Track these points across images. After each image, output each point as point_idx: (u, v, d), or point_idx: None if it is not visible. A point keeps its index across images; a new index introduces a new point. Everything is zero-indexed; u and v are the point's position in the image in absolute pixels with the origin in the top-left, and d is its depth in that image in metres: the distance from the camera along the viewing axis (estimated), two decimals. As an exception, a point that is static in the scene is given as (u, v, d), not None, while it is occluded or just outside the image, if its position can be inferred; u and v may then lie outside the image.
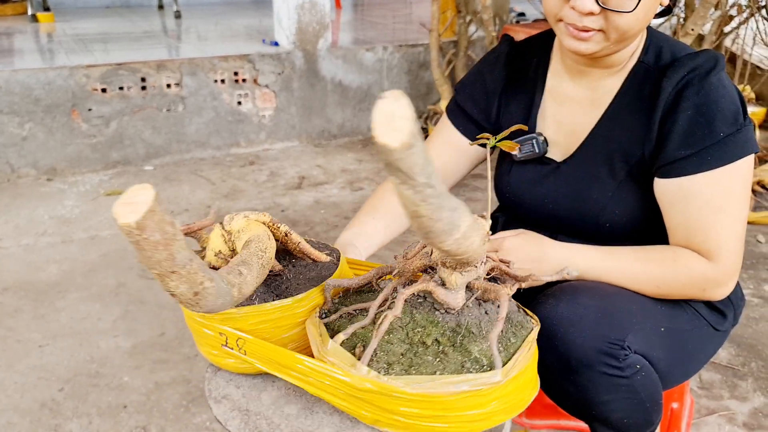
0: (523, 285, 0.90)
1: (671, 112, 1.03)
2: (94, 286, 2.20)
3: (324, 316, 0.92)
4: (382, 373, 0.78)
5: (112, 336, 1.89)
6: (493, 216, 1.33)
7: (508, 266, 0.91)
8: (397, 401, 0.77)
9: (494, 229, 1.29)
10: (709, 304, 1.13)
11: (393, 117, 0.56)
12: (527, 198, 1.20)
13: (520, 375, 0.83)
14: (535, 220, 1.20)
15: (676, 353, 1.10)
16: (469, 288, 0.88)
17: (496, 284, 0.89)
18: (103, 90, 3.34)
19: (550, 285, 1.10)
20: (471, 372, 0.79)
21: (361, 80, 4.02)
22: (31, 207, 2.91)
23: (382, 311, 0.87)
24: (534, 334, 0.89)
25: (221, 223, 0.92)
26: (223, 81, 3.63)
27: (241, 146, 3.76)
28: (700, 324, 1.12)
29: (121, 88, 3.38)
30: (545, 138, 1.17)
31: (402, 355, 0.82)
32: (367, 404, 0.80)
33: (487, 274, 0.90)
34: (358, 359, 0.80)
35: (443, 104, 3.68)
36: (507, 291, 0.87)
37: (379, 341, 0.82)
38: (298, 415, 0.85)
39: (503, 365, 0.80)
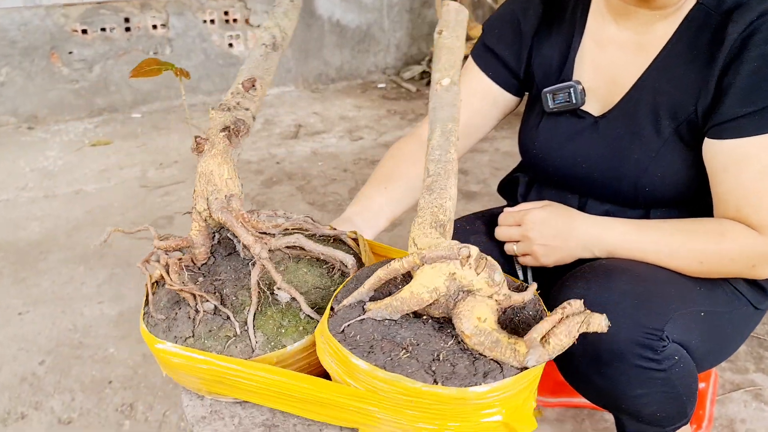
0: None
1: (734, 63, 0.89)
2: (78, 246, 2.08)
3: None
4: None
5: (97, 302, 1.78)
6: (514, 177, 1.19)
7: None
8: None
9: (514, 193, 1.15)
10: (750, 280, 1.01)
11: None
12: (557, 156, 1.05)
13: None
14: (564, 181, 1.06)
15: (714, 338, 0.99)
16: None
17: None
18: (84, 31, 3.12)
19: (576, 264, 0.98)
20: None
21: (360, 19, 3.78)
22: (11, 158, 2.75)
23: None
24: None
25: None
26: (212, 21, 3.40)
27: (233, 91, 3.56)
28: (739, 304, 1.01)
29: (103, 30, 3.15)
30: (583, 88, 1.01)
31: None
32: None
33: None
34: None
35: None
36: None
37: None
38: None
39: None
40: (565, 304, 0.65)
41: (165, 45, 3.31)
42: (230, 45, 3.49)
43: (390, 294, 0.70)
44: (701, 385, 1.30)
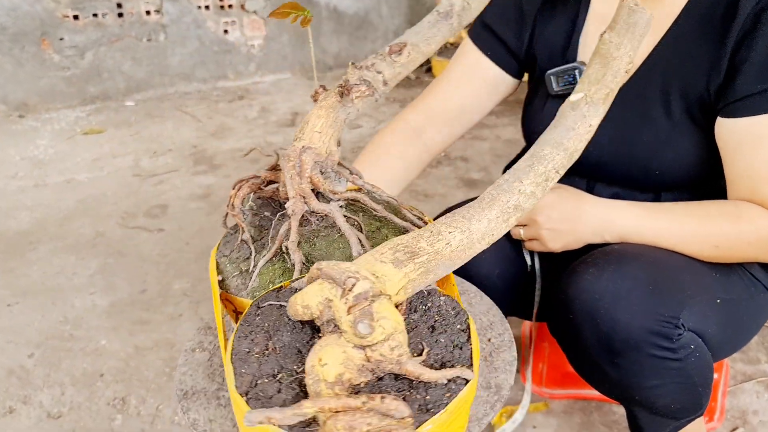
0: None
1: (747, 39, 0.84)
2: (69, 236, 2.02)
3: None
4: None
5: (88, 293, 1.72)
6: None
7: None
8: None
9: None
10: (764, 265, 0.97)
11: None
12: None
13: None
14: (572, 166, 1.01)
15: (730, 327, 0.95)
16: None
17: None
18: (75, 17, 3.04)
19: (585, 249, 0.93)
20: None
21: (357, 6, 3.71)
22: (1, 147, 2.69)
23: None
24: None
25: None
26: (207, 7, 3.33)
27: (228, 79, 3.49)
28: (756, 291, 0.97)
29: (95, 15, 3.08)
30: None
31: None
32: None
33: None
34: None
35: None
36: None
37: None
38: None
39: None
40: (383, 399, 0.47)
41: (159, 31, 3.24)
42: (225, 31, 3.42)
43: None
44: (714, 376, 1.26)
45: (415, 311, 0.60)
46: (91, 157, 2.61)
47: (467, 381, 0.52)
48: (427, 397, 0.51)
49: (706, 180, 0.95)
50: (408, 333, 0.54)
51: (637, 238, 0.90)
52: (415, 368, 0.51)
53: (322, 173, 0.73)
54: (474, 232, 0.58)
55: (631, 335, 0.82)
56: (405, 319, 0.58)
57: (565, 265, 0.94)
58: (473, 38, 1.10)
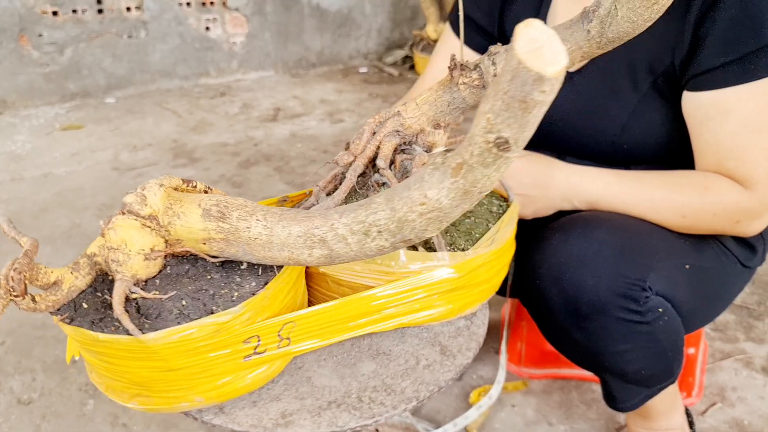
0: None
1: (709, 12, 0.84)
2: (45, 227, 1.99)
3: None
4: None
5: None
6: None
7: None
8: None
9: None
10: (738, 238, 0.97)
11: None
12: None
13: None
14: (540, 139, 1.01)
15: (701, 294, 0.95)
16: None
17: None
18: (54, 13, 3.01)
19: (556, 216, 0.93)
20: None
21: (340, 3, 3.71)
22: (-22, 142, 2.65)
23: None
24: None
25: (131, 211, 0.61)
26: (188, 4, 3.31)
27: (210, 76, 3.47)
28: (727, 261, 0.97)
29: (74, 11, 3.05)
30: None
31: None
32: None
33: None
34: None
35: (430, 29, 3.40)
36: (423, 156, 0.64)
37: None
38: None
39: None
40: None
41: (140, 28, 3.22)
42: (207, 28, 3.40)
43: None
44: (690, 351, 1.26)
45: None
46: (69, 151, 2.58)
47: None
48: None
49: (674, 153, 0.95)
50: None
51: (605, 205, 0.90)
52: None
53: (404, 145, 0.67)
54: (275, 236, 0.55)
55: (597, 298, 0.81)
56: None
57: (535, 232, 0.94)
58: (450, 24, 1.11)
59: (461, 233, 0.76)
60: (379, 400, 0.63)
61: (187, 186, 0.64)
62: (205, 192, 0.64)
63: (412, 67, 3.75)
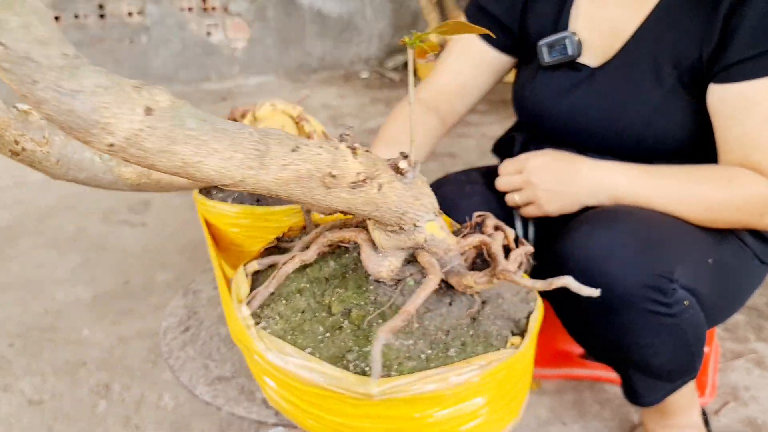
0: (495, 281, 0.62)
1: (739, 6, 0.86)
2: (49, 231, 1.98)
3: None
4: (261, 323, 0.65)
5: (70, 286, 1.69)
6: (510, 135, 1.14)
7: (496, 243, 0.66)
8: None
9: (510, 152, 1.11)
10: (756, 233, 0.99)
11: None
12: (554, 110, 1.01)
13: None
14: (562, 137, 1.02)
15: (722, 289, 0.95)
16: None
17: (433, 262, 0.64)
18: (56, 18, 3.01)
19: (582, 211, 0.93)
20: (345, 368, 0.59)
21: (342, 8, 3.73)
22: (-20, 147, 2.64)
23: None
24: (506, 360, 0.62)
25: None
26: (190, 9, 3.32)
27: (212, 81, 3.48)
28: (745, 256, 0.98)
29: (76, 16, 3.05)
30: (579, 39, 0.97)
31: (302, 312, 0.66)
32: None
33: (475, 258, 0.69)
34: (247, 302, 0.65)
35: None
36: (438, 273, 0.62)
37: (279, 286, 0.67)
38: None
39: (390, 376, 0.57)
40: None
41: (141, 33, 3.22)
42: (208, 33, 3.41)
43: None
44: (704, 350, 1.26)
45: None
46: (72, 156, 2.57)
47: None
48: None
49: (697, 148, 0.96)
50: None
51: (631, 199, 0.90)
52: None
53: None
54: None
55: (625, 290, 0.81)
56: None
57: (560, 227, 0.94)
58: (468, 19, 1.11)
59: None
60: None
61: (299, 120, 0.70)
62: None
63: (414, 73, 3.76)
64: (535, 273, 1.04)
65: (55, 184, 2.31)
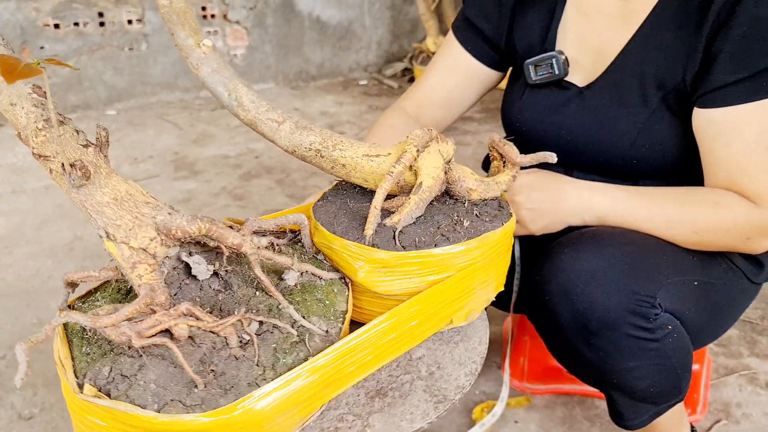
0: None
1: (722, 29, 0.85)
2: (46, 240, 1.99)
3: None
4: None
5: (64, 295, 1.69)
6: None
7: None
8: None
9: (497, 168, 1.11)
10: (746, 254, 0.96)
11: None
12: (540, 128, 1.01)
13: None
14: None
15: (709, 311, 0.94)
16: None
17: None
18: (56, 26, 3.03)
19: (565, 232, 0.93)
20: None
21: (341, 15, 3.73)
22: (-21, 154, 2.65)
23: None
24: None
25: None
26: (190, 16, 3.33)
27: (211, 88, 3.49)
28: (734, 276, 0.97)
29: (76, 24, 3.07)
30: (566, 58, 0.97)
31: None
32: None
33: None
34: None
35: (430, 42, 3.42)
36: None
37: None
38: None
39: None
40: None
41: (141, 41, 3.23)
42: (208, 41, 3.42)
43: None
44: (695, 367, 1.25)
45: None
46: (70, 164, 2.58)
47: None
48: None
49: (684, 169, 0.95)
50: None
51: (616, 220, 0.90)
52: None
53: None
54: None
55: (607, 314, 0.81)
56: None
57: (543, 247, 0.93)
58: (455, 32, 1.11)
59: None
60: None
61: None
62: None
63: (412, 80, 3.77)
64: (519, 293, 1.04)
65: (52, 192, 2.32)
